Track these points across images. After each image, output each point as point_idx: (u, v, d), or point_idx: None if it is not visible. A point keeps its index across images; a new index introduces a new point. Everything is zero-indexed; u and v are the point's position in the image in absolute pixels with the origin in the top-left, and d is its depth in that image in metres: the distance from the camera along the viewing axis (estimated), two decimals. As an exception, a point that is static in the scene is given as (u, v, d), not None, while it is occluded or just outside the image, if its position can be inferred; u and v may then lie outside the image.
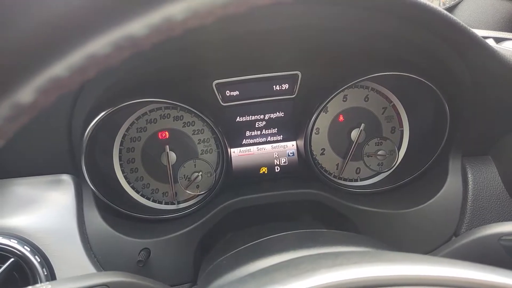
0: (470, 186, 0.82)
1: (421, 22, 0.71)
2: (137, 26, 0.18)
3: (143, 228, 0.87)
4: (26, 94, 0.19)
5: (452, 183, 0.85)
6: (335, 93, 0.88)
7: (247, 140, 0.99)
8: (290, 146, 1.01)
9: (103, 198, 0.83)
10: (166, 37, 0.19)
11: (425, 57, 0.80)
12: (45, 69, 0.19)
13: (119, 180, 0.95)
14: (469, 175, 0.83)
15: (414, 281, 0.34)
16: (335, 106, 0.99)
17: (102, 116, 0.80)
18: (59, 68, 0.19)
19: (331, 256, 0.43)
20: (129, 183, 0.96)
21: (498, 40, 0.97)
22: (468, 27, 0.68)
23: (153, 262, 0.82)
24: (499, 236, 0.53)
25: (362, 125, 0.98)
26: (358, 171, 1.03)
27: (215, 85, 0.93)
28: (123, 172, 0.96)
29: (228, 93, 0.95)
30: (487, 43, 0.71)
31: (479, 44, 0.70)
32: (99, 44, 0.19)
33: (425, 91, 0.87)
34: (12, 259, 0.75)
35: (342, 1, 0.69)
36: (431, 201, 0.84)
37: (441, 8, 0.66)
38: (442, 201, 0.84)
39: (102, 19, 0.19)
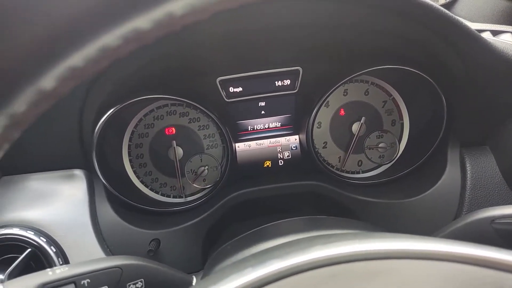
0: (468, 176, 0.84)
1: (415, 16, 0.73)
2: (141, 20, 0.22)
3: (152, 220, 0.91)
4: (48, 81, 0.22)
5: (451, 173, 0.87)
6: (335, 87, 0.91)
7: (251, 134, 1.03)
8: (293, 140, 1.04)
9: (114, 192, 0.87)
10: (167, 32, 0.22)
11: (421, 51, 0.83)
12: (64, 60, 0.22)
13: (129, 174, 0.98)
14: (467, 165, 0.85)
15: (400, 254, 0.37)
16: (336, 100, 1.02)
17: (111, 112, 0.83)
18: (76, 59, 0.22)
19: (327, 236, 0.46)
20: (138, 177, 1.00)
21: (495, 33, 0.99)
22: (461, 20, 0.71)
23: (163, 252, 0.85)
24: (491, 219, 0.56)
25: (363, 118, 1.01)
26: (360, 164, 1.06)
27: (219, 81, 0.96)
28: (132, 167, 1.00)
29: (231, 89, 0.99)
30: (480, 35, 0.73)
31: (471, 36, 0.72)
32: (110, 37, 0.22)
33: (422, 84, 0.89)
34: (29, 250, 0.79)
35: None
36: (430, 190, 0.87)
37: (433, 3, 0.69)
38: (442, 191, 0.86)
39: (111, 14, 0.22)
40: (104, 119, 0.83)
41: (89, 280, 0.51)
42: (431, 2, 0.68)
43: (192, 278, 0.60)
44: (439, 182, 0.86)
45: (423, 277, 0.38)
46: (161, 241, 0.86)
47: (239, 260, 0.47)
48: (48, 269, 0.51)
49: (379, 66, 0.88)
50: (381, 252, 0.38)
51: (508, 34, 0.98)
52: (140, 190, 1.00)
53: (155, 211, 0.95)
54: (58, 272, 0.51)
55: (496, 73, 0.76)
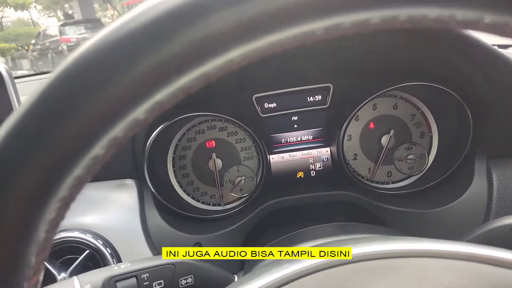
0: (494, 186, 0.88)
1: (444, 39, 0.79)
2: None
3: (195, 226, 0.99)
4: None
5: (477, 184, 0.90)
6: (365, 102, 0.96)
7: (284, 147, 1.10)
8: (325, 152, 1.10)
9: (161, 199, 0.97)
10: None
11: (448, 70, 0.88)
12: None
13: (173, 184, 1.08)
14: (494, 176, 0.89)
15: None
16: (366, 114, 1.07)
17: (160, 129, 0.93)
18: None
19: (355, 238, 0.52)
20: (181, 187, 1.09)
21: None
22: (484, 41, 0.76)
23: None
24: (510, 227, 0.60)
25: (392, 131, 1.06)
26: (389, 175, 1.10)
27: (255, 98, 1.04)
28: (176, 177, 1.09)
29: (266, 105, 1.07)
30: (503, 54, 0.78)
31: (495, 56, 0.77)
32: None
33: (449, 99, 0.93)
34: (87, 251, 0.89)
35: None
36: (458, 200, 0.90)
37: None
38: (469, 201, 0.90)
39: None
40: (154, 135, 0.92)
41: (148, 275, 0.59)
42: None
43: (234, 276, 0.68)
44: (466, 192, 0.90)
45: (438, 273, 0.43)
46: (203, 245, 0.94)
47: (276, 260, 0.54)
48: (114, 265, 0.60)
49: (407, 83, 0.93)
50: (400, 251, 0.44)
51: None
52: (183, 198, 1.09)
53: (196, 217, 1.03)
54: (122, 267, 0.59)
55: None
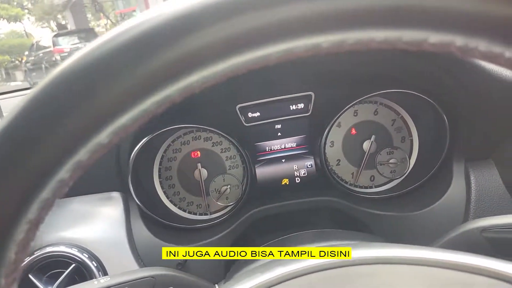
0: (472, 188, 0.89)
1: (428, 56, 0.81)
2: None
3: (181, 236, 1.00)
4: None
5: (456, 186, 0.92)
6: (345, 109, 0.98)
7: (269, 155, 1.11)
8: (308, 159, 1.12)
9: (147, 211, 0.98)
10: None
11: (425, 79, 0.90)
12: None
13: (159, 195, 1.09)
14: (472, 178, 0.91)
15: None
16: (347, 120, 1.09)
17: (144, 141, 0.95)
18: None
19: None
20: (167, 197, 1.10)
21: None
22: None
23: (190, 265, 0.94)
24: (481, 229, 0.62)
25: (373, 136, 1.08)
26: (372, 179, 1.12)
27: (238, 108, 1.06)
28: (162, 188, 1.10)
29: (250, 114, 1.08)
30: (476, 63, 0.80)
31: (470, 67, 0.79)
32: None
33: (427, 105, 0.96)
34: (73, 265, 0.90)
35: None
36: (437, 203, 0.92)
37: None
38: (448, 203, 0.91)
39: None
40: (138, 147, 0.94)
41: (128, 288, 0.60)
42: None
43: (215, 286, 0.69)
44: (445, 195, 0.92)
45: (405, 279, 0.45)
46: (186, 262, 0.95)
47: (252, 269, 0.55)
48: (94, 279, 0.61)
49: (386, 90, 0.95)
50: (368, 258, 0.46)
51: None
52: (170, 209, 1.10)
53: (183, 227, 1.04)
54: (102, 281, 0.60)
55: (495, 98, 0.82)
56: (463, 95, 0.86)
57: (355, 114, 1.09)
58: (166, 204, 1.10)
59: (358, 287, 0.44)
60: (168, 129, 0.98)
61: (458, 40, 0.21)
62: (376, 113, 1.09)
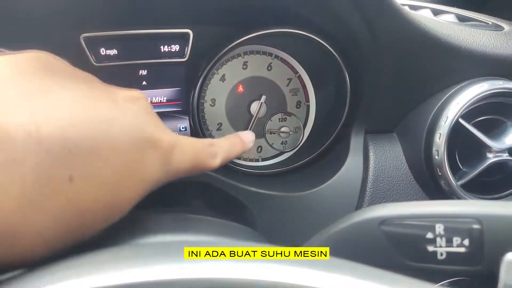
0: (371, 166, 0.74)
1: None
2: None
3: None
4: None
5: (353, 162, 0.76)
6: (223, 51, 0.75)
7: (128, 109, 0.84)
8: (182, 120, 0.87)
9: None
10: None
11: (325, 14, 0.70)
12: None
13: None
14: (371, 154, 0.75)
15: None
16: (234, 74, 0.86)
17: None
18: None
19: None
20: None
21: (437, 12, 0.92)
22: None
23: None
24: (379, 221, 0.44)
25: (263, 97, 0.87)
26: (259, 150, 0.92)
27: (84, 39, 0.76)
28: None
29: (103, 51, 0.79)
30: (393, 3, 0.62)
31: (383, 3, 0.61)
32: None
33: (328, 60, 0.77)
34: None
35: None
36: (329, 181, 0.75)
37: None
38: (342, 182, 0.75)
39: None
40: None
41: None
42: None
43: None
44: (339, 172, 0.75)
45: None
46: None
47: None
48: None
49: (275, 30, 0.74)
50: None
51: (451, 15, 0.90)
52: None
53: None
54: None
55: (408, 49, 0.65)
56: (374, 51, 0.69)
57: (245, 66, 0.87)
58: None
59: None
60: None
61: None
62: (269, 68, 0.88)
